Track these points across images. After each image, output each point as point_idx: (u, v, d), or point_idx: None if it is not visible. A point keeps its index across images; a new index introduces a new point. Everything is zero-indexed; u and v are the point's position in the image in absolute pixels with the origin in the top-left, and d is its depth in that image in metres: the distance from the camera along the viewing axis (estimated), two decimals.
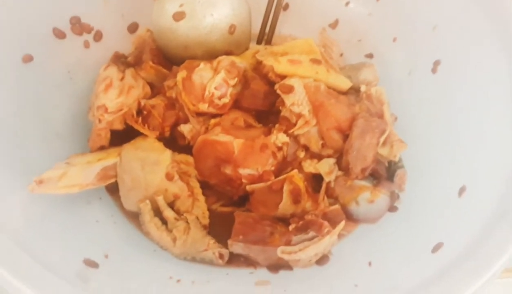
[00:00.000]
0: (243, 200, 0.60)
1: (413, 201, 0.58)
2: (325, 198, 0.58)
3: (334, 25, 0.76)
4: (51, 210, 0.51)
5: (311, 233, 0.51)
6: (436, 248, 0.46)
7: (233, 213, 0.58)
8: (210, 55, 0.66)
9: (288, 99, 0.59)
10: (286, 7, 0.77)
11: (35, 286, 0.39)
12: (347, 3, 0.75)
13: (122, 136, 0.61)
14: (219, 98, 0.60)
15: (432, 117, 0.65)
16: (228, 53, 0.67)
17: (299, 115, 0.59)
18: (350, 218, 0.57)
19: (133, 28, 0.72)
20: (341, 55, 0.75)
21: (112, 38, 0.70)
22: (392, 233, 0.56)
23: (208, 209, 0.59)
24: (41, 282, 0.40)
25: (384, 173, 0.60)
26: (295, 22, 0.77)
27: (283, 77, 0.62)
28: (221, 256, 0.54)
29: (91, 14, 0.67)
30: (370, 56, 0.74)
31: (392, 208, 0.58)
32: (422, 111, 0.66)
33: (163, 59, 0.67)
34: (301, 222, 0.52)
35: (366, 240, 0.57)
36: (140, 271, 0.51)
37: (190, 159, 0.61)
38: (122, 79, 0.62)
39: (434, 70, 0.66)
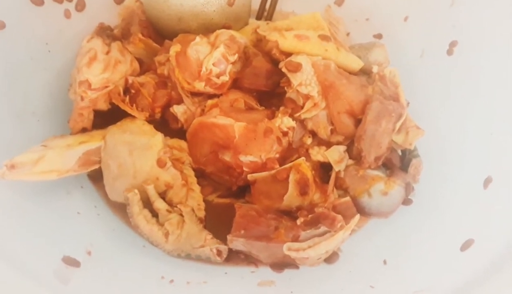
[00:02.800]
0: (242, 191, 0.54)
1: (430, 193, 0.54)
2: (335, 189, 0.52)
3: (340, 2, 0.71)
4: (25, 200, 0.45)
5: (322, 228, 0.45)
6: (466, 245, 0.41)
7: (231, 205, 0.53)
8: (206, 29, 0.59)
9: (295, 79, 0.53)
10: None
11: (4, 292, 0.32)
12: None
13: (107, 117, 0.55)
14: (218, 76, 0.54)
15: (448, 103, 0.60)
16: (226, 27, 0.61)
17: (307, 97, 0.53)
18: (362, 211, 0.52)
19: None
20: (348, 34, 0.70)
21: (97, 8, 0.63)
22: (407, 229, 0.51)
23: (204, 201, 0.53)
24: (11, 287, 0.33)
25: (397, 163, 0.55)
26: None
27: (288, 54, 0.56)
28: (219, 253, 0.48)
29: None
30: (379, 36, 0.69)
31: (406, 201, 0.53)
32: (437, 96, 0.61)
33: (153, 32, 0.61)
34: (310, 216, 0.46)
35: (379, 235, 0.52)
36: (127, 270, 0.45)
37: (183, 144, 0.55)
38: (107, 53, 0.55)
39: (449, 52, 0.61)
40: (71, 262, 0.41)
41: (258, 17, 0.69)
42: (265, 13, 0.70)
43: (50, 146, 0.48)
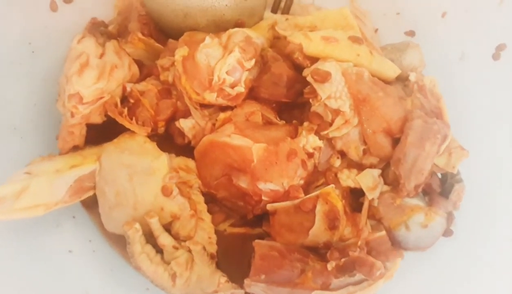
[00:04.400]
0: (259, 219, 0.47)
1: (472, 222, 0.47)
2: (368, 221, 0.45)
3: None
4: (7, 241, 0.38)
5: (358, 276, 0.39)
6: None
7: (246, 235, 0.47)
8: (216, 26, 0.53)
9: (323, 90, 0.46)
10: None
11: None
12: None
13: (101, 132, 0.48)
14: (232, 87, 0.47)
15: (491, 116, 0.53)
16: (239, 24, 0.53)
17: (336, 112, 0.46)
18: (397, 245, 0.46)
19: None
20: (376, 31, 0.62)
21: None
22: (447, 262, 0.45)
23: (215, 231, 0.46)
24: None
25: (438, 188, 0.48)
26: None
27: (313, 59, 0.48)
28: None
29: None
30: (411, 33, 0.62)
31: (447, 232, 0.47)
32: (480, 108, 0.54)
33: (155, 29, 0.54)
34: (343, 260, 0.40)
35: (415, 272, 0.45)
36: None
37: (191, 163, 0.49)
38: (101, 56, 0.48)
39: (496, 56, 0.54)
40: None
41: (274, 10, 0.62)
42: (282, 5, 0.62)
43: (36, 172, 0.41)
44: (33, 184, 0.40)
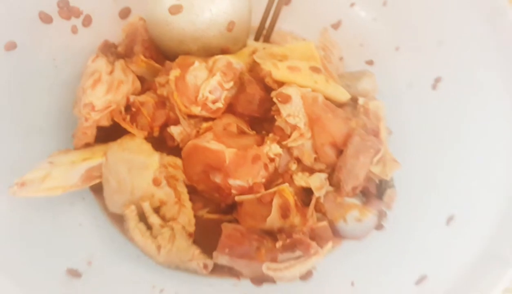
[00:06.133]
0: (230, 207, 0.59)
1: (400, 221, 0.59)
2: (314, 213, 0.57)
3: (336, 26, 0.74)
4: (32, 214, 0.50)
5: (298, 252, 0.51)
6: (420, 280, 0.46)
7: (219, 220, 0.58)
8: (206, 51, 0.63)
9: (284, 110, 0.57)
10: (288, 1, 0.73)
11: None
12: (352, 4, 0.72)
13: (108, 132, 0.59)
14: (213, 102, 0.58)
15: (427, 135, 0.64)
16: (224, 50, 0.64)
17: (294, 127, 0.57)
18: (337, 234, 0.57)
19: (124, 13, 0.68)
20: (341, 59, 0.73)
21: (102, 24, 0.66)
22: (376, 254, 0.56)
23: (194, 216, 0.58)
24: None
25: (374, 191, 0.60)
26: (296, 19, 0.74)
27: (280, 83, 0.60)
28: (205, 266, 0.54)
29: None
30: (370, 62, 0.72)
31: (378, 227, 0.58)
32: (418, 127, 0.65)
33: (155, 50, 0.64)
34: (288, 240, 0.51)
35: (351, 258, 0.57)
36: (123, 279, 0.50)
37: (178, 161, 0.59)
38: (111, 72, 0.59)
39: (434, 87, 0.65)
40: (74, 273, 0.46)
41: (257, 37, 0.72)
42: (264, 31, 0.73)
43: (55, 163, 0.53)
44: (54, 171, 0.52)
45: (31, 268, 0.42)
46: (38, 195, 0.50)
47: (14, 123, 0.54)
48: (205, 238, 0.57)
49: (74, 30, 0.63)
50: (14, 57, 0.55)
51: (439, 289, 0.44)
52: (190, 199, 0.58)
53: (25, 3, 0.56)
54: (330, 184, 0.58)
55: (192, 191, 0.59)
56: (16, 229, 0.45)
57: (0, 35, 0.54)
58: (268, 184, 0.57)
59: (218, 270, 0.55)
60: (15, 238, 0.44)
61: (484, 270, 0.43)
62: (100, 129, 0.58)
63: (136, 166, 0.55)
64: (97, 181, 0.55)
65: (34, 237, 0.47)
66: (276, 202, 0.55)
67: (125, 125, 0.58)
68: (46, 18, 0.59)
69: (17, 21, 0.56)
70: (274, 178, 0.58)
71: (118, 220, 0.56)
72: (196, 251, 0.54)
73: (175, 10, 0.59)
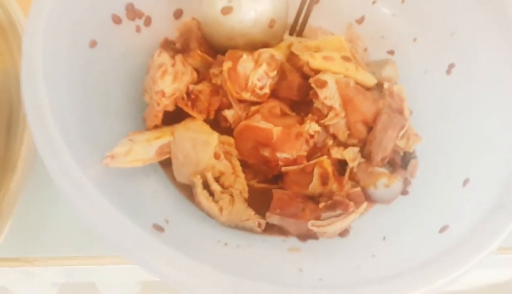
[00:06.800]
0: (276, 178, 0.69)
1: (422, 187, 0.68)
2: (348, 181, 0.67)
3: (360, 21, 0.83)
4: (119, 181, 0.60)
5: (338, 211, 0.61)
6: (443, 229, 0.56)
7: (267, 189, 0.68)
8: (251, 45, 0.72)
9: (321, 93, 0.67)
10: (317, 1, 0.83)
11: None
12: (374, 2, 0.82)
13: (171, 115, 0.69)
14: (260, 89, 0.68)
15: (443, 113, 0.73)
16: (266, 44, 0.74)
17: (330, 108, 0.67)
18: (368, 199, 0.67)
19: (178, 14, 0.78)
20: (365, 49, 0.83)
21: (160, 23, 0.76)
22: (403, 214, 0.66)
23: (247, 185, 0.68)
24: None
25: (399, 162, 0.69)
26: (324, 16, 0.83)
27: (317, 71, 0.69)
28: (259, 225, 0.64)
29: (143, 0, 0.73)
30: (391, 52, 0.81)
31: (404, 192, 0.68)
32: (435, 107, 0.74)
33: (207, 47, 0.74)
34: (330, 201, 0.61)
35: (381, 218, 0.67)
36: (194, 235, 0.60)
37: (231, 140, 0.69)
38: (173, 65, 0.69)
39: (448, 72, 0.74)
40: (158, 228, 0.56)
41: (291, 32, 0.82)
42: (297, 27, 0.83)
43: (135, 140, 0.63)
44: (135, 147, 0.62)
45: (127, 219, 0.51)
46: (124, 166, 0.60)
47: (98, 108, 0.64)
48: (256, 203, 0.67)
49: (138, 29, 0.73)
50: (95, 53, 0.65)
51: (458, 235, 0.53)
52: (243, 171, 0.68)
53: (102, 7, 0.67)
54: (362, 156, 0.68)
55: (244, 165, 0.68)
56: (109, 193, 0.55)
57: (86, 35, 0.64)
58: (309, 157, 0.67)
59: (269, 228, 0.65)
60: (109, 201, 0.53)
61: (493, 218, 0.53)
62: (165, 113, 0.69)
63: (199, 143, 0.65)
64: (167, 156, 0.65)
65: (123, 199, 0.57)
66: (316, 171, 0.65)
67: (187, 109, 0.68)
68: (117, 20, 0.69)
69: (97, 22, 0.66)
70: (314, 152, 0.68)
71: (184, 188, 0.66)
72: (251, 212, 0.64)
73: (226, 11, 0.69)
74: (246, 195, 0.67)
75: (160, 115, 0.67)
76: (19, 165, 0.64)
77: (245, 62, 0.68)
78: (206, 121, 0.69)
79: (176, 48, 0.74)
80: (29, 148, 0.65)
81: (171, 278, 0.45)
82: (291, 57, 0.74)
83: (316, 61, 0.69)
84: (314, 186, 0.65)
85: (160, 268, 0.46)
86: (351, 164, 0.67)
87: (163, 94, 0.65)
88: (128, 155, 0.61)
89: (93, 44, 0.65)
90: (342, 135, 0.68)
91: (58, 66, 0.55)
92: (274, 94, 0.71)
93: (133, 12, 0.72)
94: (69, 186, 0.46)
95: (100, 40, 0.66)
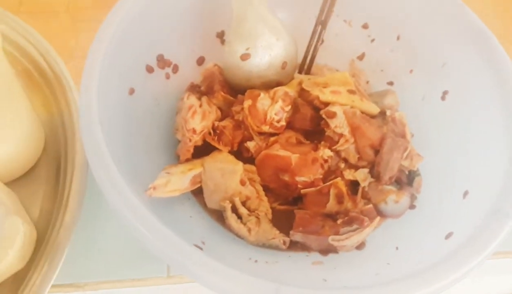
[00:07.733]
0: (296, 200, 0.77)
1: (427, 201, 0.75)
2: (361, 199, 0.75)
3: (361, 57, 0.93)
4: (160, 209, 0.68)
5: (355, 226, 0.69)
6: (448, 236, 0.63)
7: (289, 210, 0.75)
8: (266, 85, 0.82)
9: (332, 123, 0.76)
10: (322, 41, 0.93)
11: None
12: (372, 40, 0.92)
13: (200, 149, 0.78)
14: (277, 122, 0.77)
15: (441, 135, 0.81)
16: (279, 83, 0.84)
17: (340, 135, 0.76)
18: (380, 214, 0.74)
19: (200, 61, 0.89)
20: (367, 82, 0.92)
21: (185, 70, 0.86)
22: (412, 225, 0.73)
23: (270, 207, 0.76)
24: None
25: (405, 180, 0.77)
26: (329, 54, 0.92)
27: (326, 104, 0.78)
28: (284, 242, 0.71)
29: (171, 51, 0.83)
30: (391, 83, 0.90)
31: (411, 206, 0.76)
32: (433, 130, 0.82)
33: (228, 88, 0.84)
34: (346, 218, 0.69)
35: (393, 231, 0.73)
36: (228, 253, 0.68)
37: (254, 168, 0.77)
38: (200, 105, 0.79)
39: (443, 98, 0.82)
40: (198, 247, 0.64)
41: (300, 70, 0.91)
42: (305, 67, 0.93)
43: (171, 172, 0.73)
44: (172, 179, 0.71)
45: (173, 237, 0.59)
46: (164, 196, 0.69)
47: (139, 147, 0.73)
48: (279, 223, 0.75)
49: (167, 76, 0.83)
50: (133, 100, 0.75)
51: (462, 239, 0.61)
52: (265, 195, 0.77)
53: (137, 59, 0.77)
54: (372, 176, 0.75)
55: (266, 189, 0.76)
56: (155, 219, 0.62)
57: (126, 85, 0.74)
58: (324, 179, 0.74)
59: (293, 245, 0.72)
60: (152, 228, 0.60)
61: (491, 223, 0.61)
62: (195, 147, 0.78)
63: (227, 172, 0.74)
64: (199, 185, 0.74)
65: (166, 224, 0.65)
66: (332, 192, 0.73)
67: (214, 143, 0.77)
68: (150, 69, 0.80)
69: (134, 73, 0.76)
70: (329, 175, 0.76)
71: (215, 213, 0.74)
72: (276, 231, 0.72)
73: (245, 57, 0.79)
74: (270, 216, 0.75)
75: (191, 150, 0.76)
76: (70, 200, 0.73)
77: (263, 100, 0.78)
78: (231, 152, 0.78)
79: (201, 90, 0.84)
80: (79, 186, 0.74)
81: (221, 288, 0.52)
82: (302, 93, 0.83)
83: (325, 95, 0.78)
84: (331, 205, 0.73)
85: (216, 281, 0.53)
86: (362, 184, 0.75)
87: (194, 131, 0.75)
88: (167, 186, 0.70)
89: (131, 91, 0.75)
90: (353, 159, 0.77)
91: (108, 114, 0.65)
92: (289, 125, 0.80)
93: (163, 62, 0.82)
94: (129, 213, 0.55)
95: (137, 88, 0.76)
